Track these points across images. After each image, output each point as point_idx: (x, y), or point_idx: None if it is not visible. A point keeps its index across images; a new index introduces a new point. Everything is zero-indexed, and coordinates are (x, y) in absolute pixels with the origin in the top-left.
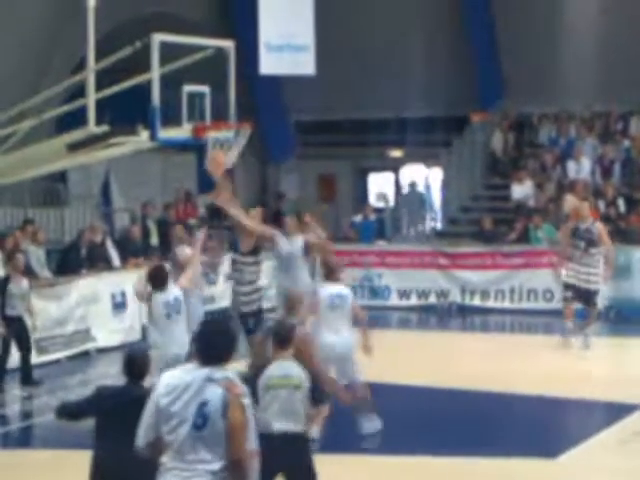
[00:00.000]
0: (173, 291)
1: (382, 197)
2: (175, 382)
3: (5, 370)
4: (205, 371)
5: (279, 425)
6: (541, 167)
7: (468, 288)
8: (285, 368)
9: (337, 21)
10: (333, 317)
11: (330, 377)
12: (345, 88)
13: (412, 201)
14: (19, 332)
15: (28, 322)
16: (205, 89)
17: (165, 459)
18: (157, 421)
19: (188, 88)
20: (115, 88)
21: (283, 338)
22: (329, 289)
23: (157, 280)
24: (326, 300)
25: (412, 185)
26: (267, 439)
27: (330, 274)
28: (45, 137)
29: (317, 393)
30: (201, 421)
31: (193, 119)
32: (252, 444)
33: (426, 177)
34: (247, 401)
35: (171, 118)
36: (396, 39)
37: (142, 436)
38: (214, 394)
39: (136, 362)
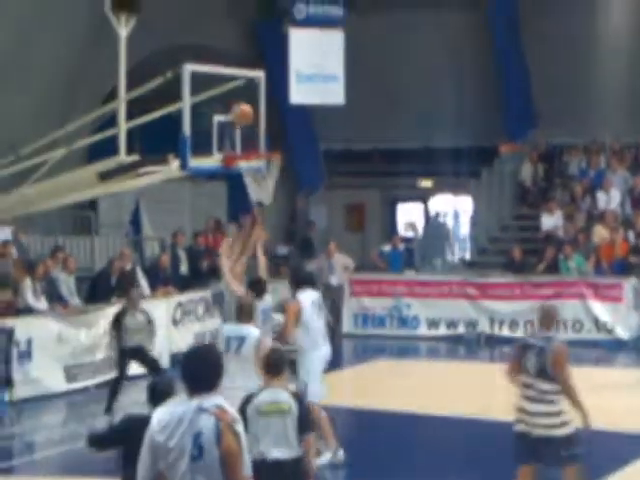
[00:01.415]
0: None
1: (411, 227)
2: (167, 417)
3: (115, 395)
4: (195, 402)
5: (273, 453)
6: (571, 198)
7: (497, 318)
8: (274, 394)
9: (367, 51)
10: (319, 326)
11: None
12: (374, 118)
13: (438, 232)
14: (143, 361)
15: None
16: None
17: None
18: (155, 459)
19: (218, 118)
20: (146, 118)
21: (275, 366)
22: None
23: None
24: (308, 308)
25: (436, 216)
26: (261, 467)
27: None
28: (76, 166)
29: (304, 421)
30: (197, 452)
31: (223, 148)
32: (248, 469)
33: (455, 208)
34: (240, 427)
35: (201, 147)
36: (426, 69)
37: (144, 476)
38: (206, 424)
39: (160, 391)
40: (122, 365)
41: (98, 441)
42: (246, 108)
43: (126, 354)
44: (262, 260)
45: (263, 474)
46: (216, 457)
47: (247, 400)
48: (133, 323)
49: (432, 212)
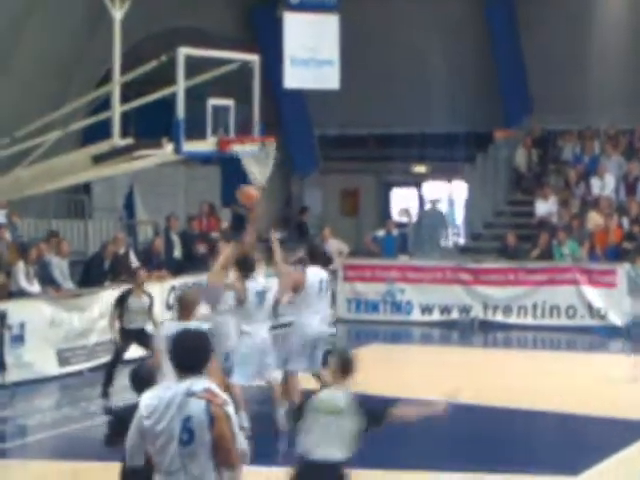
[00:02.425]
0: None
1: (405, 212)
2: (155, 402)
3: (112, 377)
4: (184, 385)
5: (320, 452)
6: (565, 184)
7: (490, 304)
8: (334, 393)
9: (362, 36)
10: (318, 301)
11: None
12: (369, 103)
13: (433, 218)
14: (144, 343)
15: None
16: (230, 102)
17: None
18: (143, 442)
19: (213, 101)
20: (140, 101)
21: (345, 366)
22: (318, 274)
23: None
24: (315, 284)
25: (433, 202)
26: (305, 465)
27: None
28: (70, 149)
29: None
30: (187, 436)
31: (218, 132)
32: (241, 444)
33: (449, 193)
34: (230, 409)
35: (196, 131)
36: (421, 54)
37: (136, 457)
38: (197, 408)
39: (141, 378)
40: (123, 346)
41: (111, 442)
42: (251, 191)
43: (128, 335)
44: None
45: (305, 472)
46: (207, 441)
47: (308, 397)
48: (137, 305)
49: (426, 197)
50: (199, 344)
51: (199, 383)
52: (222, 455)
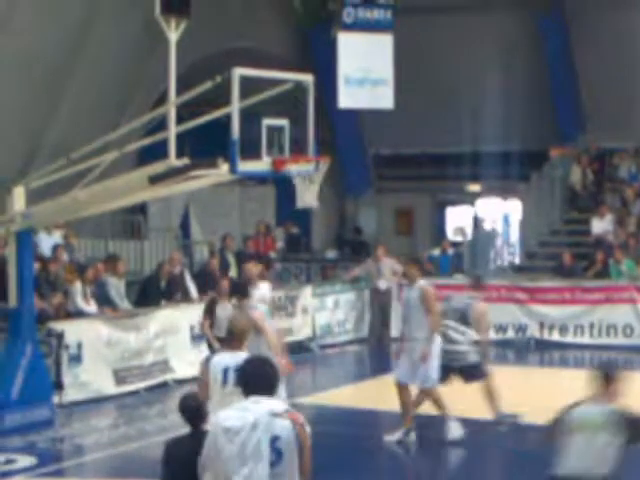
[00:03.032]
0: None
1: (460, 231)
2: (238, 424)
3: None
4: (266, 406)
5: (578, 468)
6: (621, 202)
7: (547, 323)
8: (590, 408)
9: (416, 55)
10: None
11: None
12: (423, 121)
13: (486, 237)
14: None
15: None
16: (284, 122)
17: None
18: (229, 468)
19: (268, 121)
20: (196, 122)
21: (609, 381)
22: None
23: None
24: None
25: (484, 221)
26: None
27: None
28: (126, 170)
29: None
30: (275, 457)
31: (272, 152)
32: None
33: (504, 212)
34: (308, 428)
35: (250, 151)
36: (475, 72)
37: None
38: (283, 428)
39: (193, 408)
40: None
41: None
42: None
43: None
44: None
45: None
46: (295, 459)
47: (565, 410)
48: (223, 314)
49: (481, 216)
50: (270, 369)
51: (277, 405)
52: (305, 473)
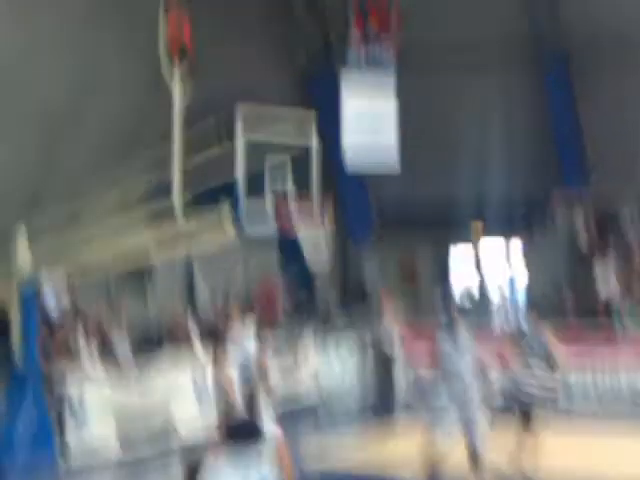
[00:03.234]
0: None
1: (467, 297)
2: None
3: None
4: None
5: None
6: (624, 248)
7: None
8: None
9: (418, 101)
10: None
11: None
12: (426, 169)
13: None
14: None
15: None
16: (287, 161)
17: None
18: None
19: (271, 160)
20: (202, 187)
21: None
22: None
23: None
24: None
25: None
26: None
27: None
28: (133, 230)
29: None
30: None
31: (275, 189)
32: None
33: (511, 276)
34: None
35: (255, 188)
36: (478, 122)
37: None
38: None
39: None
40: None
41: None
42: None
43: None
44: None
45: None
46: None
47: None
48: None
49: (485, 265)
50: None
51: None
52: None
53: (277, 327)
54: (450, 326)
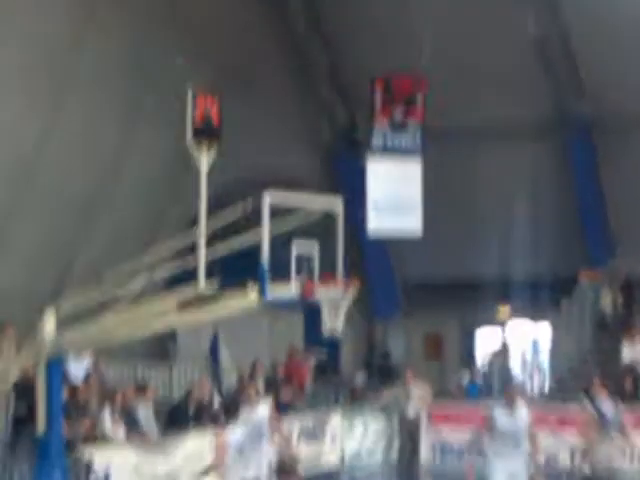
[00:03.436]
0: None
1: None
2: None
3: None
4: None
5: None
6: None
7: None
8: None
9: (444, 180)
10: None
11: None
12: (451, 246)
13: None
14: None
15: None
16: (314, 245)
17: None
18: None
19: (297, 245)
20: (225, 248)
21: None
22: None
23: None
24: None
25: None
26: None
27: None
28: (156, 294)
29: None
30: None
31: (302, 275)
32: None
33: (534, 338)
34: None
35: (279, 272)
36: (503, 197)
37: None
38: None
39: None
40: None
41: None
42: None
43: None
44: None
45: None
46: None
47: None
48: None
49: (510, 340)
50: None
51: None
52: None
53: (303, 401)
54: (508, 403)
